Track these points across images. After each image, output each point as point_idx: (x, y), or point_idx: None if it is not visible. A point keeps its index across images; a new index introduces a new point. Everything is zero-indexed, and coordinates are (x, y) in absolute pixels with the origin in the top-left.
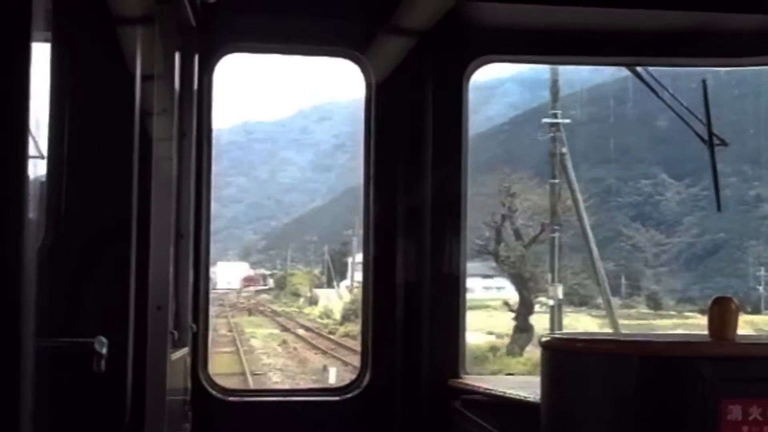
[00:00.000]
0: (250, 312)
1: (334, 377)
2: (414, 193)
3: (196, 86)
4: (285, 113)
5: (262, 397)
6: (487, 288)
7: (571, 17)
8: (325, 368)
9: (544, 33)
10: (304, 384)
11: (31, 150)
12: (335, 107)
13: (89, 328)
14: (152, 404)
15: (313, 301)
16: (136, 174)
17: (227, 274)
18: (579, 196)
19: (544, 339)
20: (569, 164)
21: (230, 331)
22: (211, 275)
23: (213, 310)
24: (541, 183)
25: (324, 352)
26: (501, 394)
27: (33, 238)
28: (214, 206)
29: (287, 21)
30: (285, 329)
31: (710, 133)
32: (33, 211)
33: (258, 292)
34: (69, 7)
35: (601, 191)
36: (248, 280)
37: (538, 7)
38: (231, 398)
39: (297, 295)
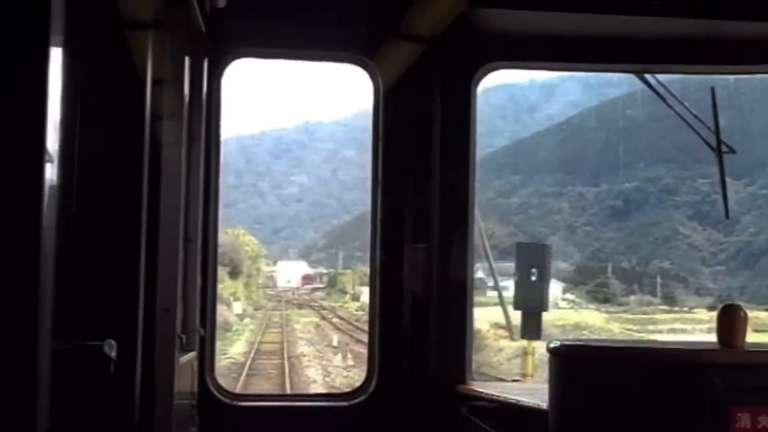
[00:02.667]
0: (300, 306)
1: (336, 342)
2: (422, 199)
3: (205, 91)
4: (346, 113)
5: (269, 401)
6: None
7: (580, 24)
8: (332, 339)
9: (552, 39)
10: (313, 372)
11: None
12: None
13: (98, 331)
14: (160, 408)
15: (355, 297)
16: (145, 178)
17: (287, 273)
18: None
19: (552, 345)
20: None
21: (280, 319)
22: (272, 274)
23: (270, 304)
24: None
25: (342, 332)
26: (508, 400)
27: (51, 242)
28: (275, 204)
29: (296, 26)
30: (323, 318)
31: (719, 141)
32: (46, 216)
33: (314, 289)
34: (79, 11)
35: (658, 190)
36: (307, 279)
37: (547, 14)
38: (238, 402)
39: (344, 292)
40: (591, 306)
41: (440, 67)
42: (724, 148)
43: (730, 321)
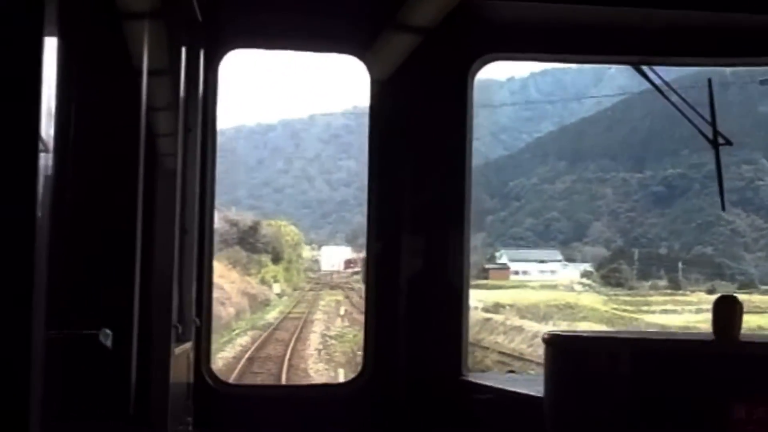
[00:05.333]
0: (333, 288)
1: (342, 311)
2: (418, 191)
3: (201, 81)
4: None
5: (264, 391)
6: (541, 271)
7: (577, 15)
8: (341, 310)
9: (549, 30)
10: (313, 362)
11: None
12: None
13: (94, 320)
14: (156, 397)
15: None
16: (141, 169)
17: (331, 257)
18: None
19: (547, 335)
20: None
21: (312, 297)
22: (317, 258)
23: (308, 285)
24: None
25: (354, 306)
26: (503, 389)
27: (45, 231)
28: (324, 189)
29: (293, 17)
30: (346, 297)
31: (715, 133)
32: (41, 207)
33: (354, 273)
34: (76, 2)
35: (702, 176)
36: (349, 263)
37: (544, 5)
38: (233, 392)
39: None
40: (603, 289)
41: (437, 58)
42: (720, 140)
43: (726, 312)
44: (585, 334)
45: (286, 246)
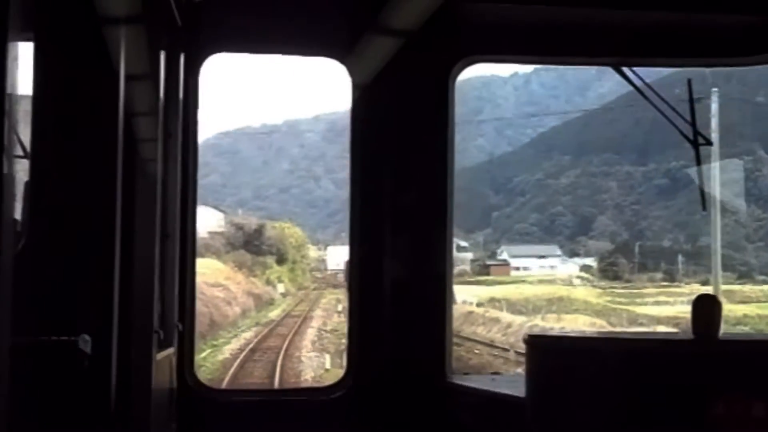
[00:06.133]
0: (336, 287)
1: (341, 308)
2: (401, 193)
3: (182, 86)
4: None
5: (249, 397)
6: (542, 266)
7: (557, 16)
8: (339, 307)
9: (530, 32)
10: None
11: (16, 149)
12: (461, 86)
13: (73, 326)
14: (138, 403)
15: None
16: (120, 174)
17: (337, 257)
18: None
19: (527, 336)
20: None
21: (315, 296)
22: (324, 258)
23: (312, 285)
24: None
25: None
26: (488, 391)
27: (10, 237)
28: (330, 188)
29: (274, 20)
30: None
31: (695, 133)
32: (14, 211)
33: None
34: (54, 6)
35: (705, 168)
36: None
37: (525, 7)
38: (217, 398)
39: None
40: (602, 283)
41: (418, 61)
42: (700, 140)
43: (705, 311)
44: (565, 335)
45: (290, 247)
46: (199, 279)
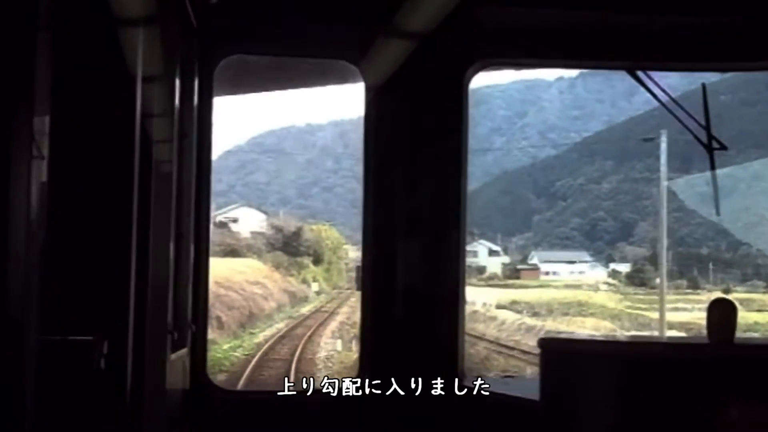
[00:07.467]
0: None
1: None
2: (414, 196)
3: (197, 88)
4: None
5: (261, 397)
6: (571, 272)
7: (572, 20)
8: None
9: (544, 36)
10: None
11: (33, 151)
12: (492, 91)
13: (89, 327)
14: (151, 403)
15: None
16: (136, 175)
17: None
18: None
19: (541, 339)
20: None
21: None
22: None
23: (347, 284)
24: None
25: None
26: (501, 394)
27: (36, 239)
28: (355, 187)
29: (288, 23)
30: None
31: (710, 137)
32: (35, 213)
33: None
34: (70, 8)
35: (749, 176)
36: None
37: (539, 11)
38: (230, 398)
39: None
40: (628, 289)
41: (432, 64)
42: (714, 145)
43: (720, 315)
44: (578, 338)
45: (326, 249)
46: (240, 277)
